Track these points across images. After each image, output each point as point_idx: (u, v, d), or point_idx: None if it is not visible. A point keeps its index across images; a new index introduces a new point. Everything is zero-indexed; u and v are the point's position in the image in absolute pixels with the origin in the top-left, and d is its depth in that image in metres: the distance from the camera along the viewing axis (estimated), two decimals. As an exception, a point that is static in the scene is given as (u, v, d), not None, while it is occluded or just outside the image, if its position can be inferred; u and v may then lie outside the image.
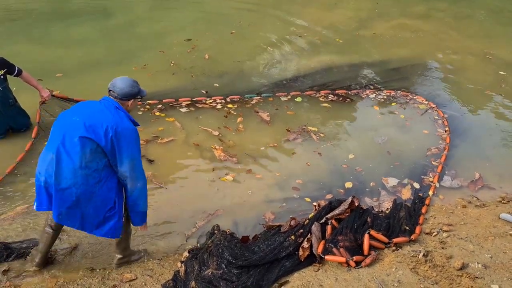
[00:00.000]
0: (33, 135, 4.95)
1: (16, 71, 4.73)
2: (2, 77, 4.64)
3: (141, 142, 4.94)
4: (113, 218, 3.03)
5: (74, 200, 2.89)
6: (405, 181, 4.60)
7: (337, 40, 8.23)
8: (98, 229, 3.04)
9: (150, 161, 4.73)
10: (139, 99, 3.26)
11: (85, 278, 3.32)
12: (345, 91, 6.26)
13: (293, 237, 3.51)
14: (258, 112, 5.67)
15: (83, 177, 2.85)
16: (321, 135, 5.31)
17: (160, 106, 5.75)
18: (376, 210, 4.11)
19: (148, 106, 5.73)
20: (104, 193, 2.95)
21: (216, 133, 5.28)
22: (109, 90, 3.01)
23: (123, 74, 6.56)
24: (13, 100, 4.89)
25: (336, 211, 3.66)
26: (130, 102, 3.08)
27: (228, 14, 9.75)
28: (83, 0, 10.42)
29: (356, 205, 3.71)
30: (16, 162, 4.59)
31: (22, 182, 4.40)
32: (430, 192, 4.38)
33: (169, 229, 3.83)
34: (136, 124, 3.07)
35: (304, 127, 5.42)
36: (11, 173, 4.46)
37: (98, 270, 3.39)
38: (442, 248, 3.49)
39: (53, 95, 5.04)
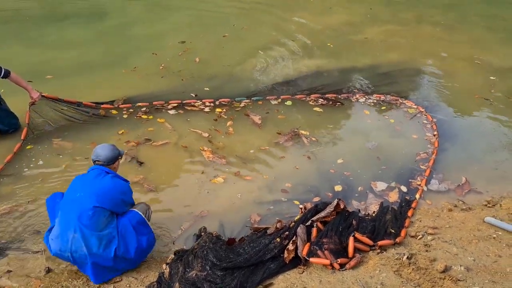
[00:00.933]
0: (22, 137, 4.95)
1: (2, 74, 4.70)
2: None
3: (132, 144, 5.00)
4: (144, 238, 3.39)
5: (112, 256, 3.22)
6: (393, 184, 4.63)
7: (329, 44, 8.28)
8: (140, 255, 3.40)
9: (140, 163, 4.74)
10: (121, 158, 3.61)
11: (69, 279, 3.32)
12: (335, 95, 6.29)
13: (278, 239, 3.52)
14: (249, 115, 5.69)
15: (108, 235, 3.20)
16: (312, 139, 5.32)
17: (144, 109, 5.74)
18: (363, 213, 4.13)
19: (131, 110, 5.72)
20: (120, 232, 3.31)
21: (206, 135, 5.30)
22: (95, 161, 3.43)
23: (113, 75, 6.73)
24: None
25: (322, 214, 3.68)
26: (115, 164, 3.52)
27: (222, 17, 9.79)
28: (77, 2, 10.44)
29: (342, 207, 3.73)
30: (4, 163, 4.58)
31: (8, 184, 4.40)
32: (417, 196, 4.41)
33: (157, 232, 3.82)
34: (126, 180, 3.51)
35: (296, 130, 5.44)
36: (-2, 174, 4.45)
37: (80, 270, 3.38)
38: (426, 251, 3.52)
39: (43, 96, 5.04)
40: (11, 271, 3.39)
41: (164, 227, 3.93)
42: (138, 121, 5.54)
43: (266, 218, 4.11)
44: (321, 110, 5.95)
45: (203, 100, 5.97)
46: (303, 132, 5.43)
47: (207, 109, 5.84)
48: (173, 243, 3.77)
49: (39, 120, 5.17)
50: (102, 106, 5.64)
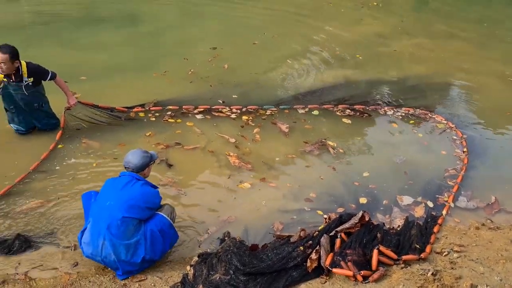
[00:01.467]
0: (57, 137, 5.12)
1: (49, 77, 4.95)
2: (30, 84, 4.84)
3: (161, 147, 5.10)
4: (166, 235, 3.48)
5: (139, 262, 3.33)
6: (419, 199, 4.58)
7: (357, 55, 8.27)
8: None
9: (169, 166, 4.83)
10: (153, 163, 3.65)
11: (96, 275, 3.40)
12: (363, 106, 6.27)
13: (301, 248, 3.53)
14: (276, 124, 5.73)
15: (136, 243, 3.29)
16: (340, 150, 5.31)
17: (169, 112, 5.85)
18: (388, 226, 4.10)
19: (157, 114, 5.83)
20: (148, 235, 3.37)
21: (233, 140, 5.37)
22: (126, 167, 3.47)
23: (144, 79, 6.87)
24: (39, 104, 5.07)
25: (346, 225, 3.67)
26: (146, 170, 3.55)
27: (253, 25, 9.95)
28: (113, 6, 10.77)
29: (367, 220, 3.72)
30: (40, 160, 4.75)
31: (41, 180, 4.55)
32: (444, 212, 4.35)
33: (183, 234, 3.88)
34: (155, 187, 3.57)
35: (323, 140, 5.45)
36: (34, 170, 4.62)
37: (109, 268, 3.47)
38: (452, 268, 3.47)
39: (79, 102, 5.22)
40: (42, 264, 3.51)
41: (190, 229, 3.98)
42: (166, 124, 5.65)
43: (289, 226, 4.12)
44: (349, 121, 5.94)
45: (231, 107, 6.04)
46: (330, 143, 5.42)
47: (233, 116, 5.91)
48: (199, 246, 3.82)
49: (74, 123, 5.34)
50: (133, 110, 5.78)
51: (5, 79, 4.76)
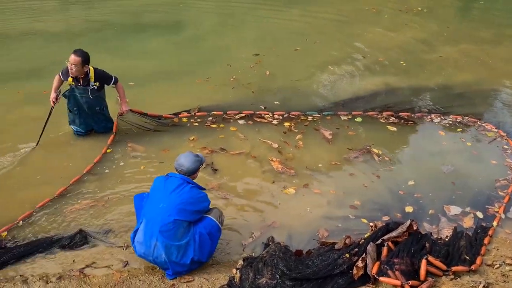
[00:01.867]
0: (108, 142, 5.33)
1: (112, 82, 5.23)
2: (95, 88, 5.11)
3: (207, 151, 5.20)
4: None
5: (189, 263, 3.44)
6: (468, 209, 4.45)
7: (401, 62, 8.14)
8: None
9: (215, 170, 4.93)
10: (202, 165, 3.73)
11: (146, 274, 3.52)
12: (408, 113, 6.16)
13: (347, 255, 3.52)
14: (319, 130, 5.73)
15: (186, 245, 3.39)
16: (385, 158, 5.24)
17: (211, 118, 5.96)
18: (435, 236, 4.01)
19: (199, 119, 5.95)
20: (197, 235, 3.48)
21: (276, 145, 5.41)
22: (177, 170, 3.55)
23: (187, 85, 7.05)
24: (100, 108, 5.34)
25: (393, 233, 3.63)
26: (196, 174, 3.66)
27: (295, 31, 9.97)
28: (158, 15, 11.09)
29: (415, 229, 3.66)
30: (94, 163, 4.98)
31: (92, 181, 4.76)
32: (494, 223, 4.21)
33: (228, 237, 3.95)
34: (203, 189, 3.66)
35: (368, 147, 5.40)
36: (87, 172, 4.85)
37: (158, 268, 3.58)
38: (504, 281, 3.36)
39: (131, 110, 5.41)
40: (95, 262, 3.66)
41: (235, 233, 4.05)
42: (209, 129, 5.76)
43: (333, 233, 4.10)
44: (394, 129, 5.85)
45: (274, 113, 6.09)
46: (375, 150, 5.37)
47: (275, 122, 5.95)
48: (243, 250, 3.87)
49: (126, 127, 5.53)
50: (180, 115, 5.93)
51: (73, 83, 5.04)
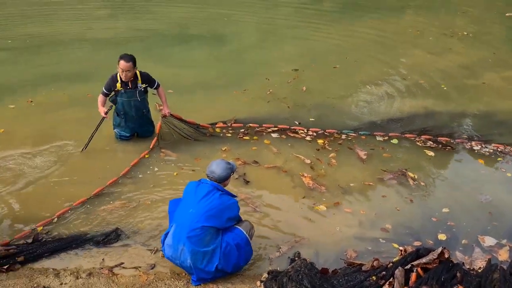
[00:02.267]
0: (151, 145, 5.50)
1: (155, 85, 5.46)
2: (142, 89, 5.33)
3: (240, 162, 5.26)
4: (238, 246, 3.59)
5: (213, 271, 3.47)
6: (504, 242, 4.28)
7: (442, 86, 7.98)
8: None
9: (247, 182, 4.98)
10: (233, 173, 3.77)
11: (172, 279, 3.58)
12: (448, 139, 6.02)
13: (374, 277, 3.45)
14: (354, 149, 5.68)
15: (212, 252, 3.43)
16: (421, 182, 5.13)
17: (243, 130, 6.03)
18: (467, 267, 3.87)
19: (231, 131, 6.03)
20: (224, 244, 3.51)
21: (308, 161, 5.40)
22: (209, 177, 3.60)
23: (225, 96, 7.19)
24: (146, 110, 5.57)
25: (423, 260, 3.53)
26: (227, 181, 3.69)
27: (336, 49, 10.02)
28: (202, 27, 11.40)
29: (446, 257, 3.55)
30: (130, 166, 5.14)
31: (127, 184, 4.90)
32: (532, 258, 4.03)
33: (254, 249, 3.94)
34: (234, 196, 3.69)
35: (404, 170, 5.30)
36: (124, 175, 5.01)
37: (184, 273, 3.63)
38: (538, 320, 3.20)
39: (171, 114, 5.57)
40: (123, 262, 3.76)
41: (262, 246, 4.06)
42: (242, 140, 5.84)
43: (362, 255, 4.04)
44: (432, 153, 5.71)
45: (309, 129, 6.08)
46: (410, 173, 5.26)
47: (308, 138, 5.94)
48: (270, 263, 3.87)
49: (165, 131, 5.68)
50: (216, 125, 6.05)
51: (121, 88, 5.25)
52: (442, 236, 4.32)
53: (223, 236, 3.50)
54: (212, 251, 3.43)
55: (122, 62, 5.03)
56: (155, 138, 5.59)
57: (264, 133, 6.02)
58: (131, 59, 5.06)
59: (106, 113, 5.24)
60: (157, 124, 5.65)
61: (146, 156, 5.38)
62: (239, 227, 3.61)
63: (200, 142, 5.77)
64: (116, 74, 5.22)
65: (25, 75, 7.81)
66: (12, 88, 7.20)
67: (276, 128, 6.08)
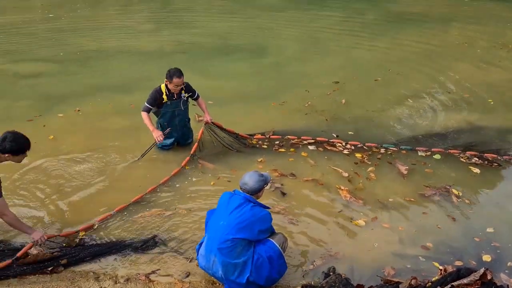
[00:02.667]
0: (191, 151, 5.61)
1: (196, 95, 5.65)
2: (185, 99, 5.49)
3: (277, 174, 5.26)
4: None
5: (244, 283, 3.45)
6: (553, 265, 4.04)
7: (489, 100, 7.69)
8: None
9: (283, 194, 4.97)
10: (266, 185, 3.73)
11: (207, 288, 3.62)
12: (494, 155, 5.77)
13: (412, 297, 3.35)
14: (395, 164, 5.56)
15: (243, 264, 3.42)
16: (465, 200, 4.93)
17: (278, 142, 6.04)
18: (513, 291, 3.68)
19: (267, 142, 6.06)
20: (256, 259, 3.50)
21: (346, 174, 5.34)
22: (241, 188, 3.59)
23: (263, 108, 7.22)
24: (188, 120, 5.76)
25: (464, 280, 3.39)
26: (260, 193, 3.66)
27: (379, 61, 9.92)
28: (244, 39, 11.61)
29: (489, 278, 3.39)
30: (170, 175, 5.25)
31: (164, 192, 5.01)
32: None
33: (288, 261, 3.90)
34: (267, 207, 3.64)
35: (448, 187, 5.13)
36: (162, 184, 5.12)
37: (218, 284, 3.66)
38: None
39: (212, 122, 5.70)
40: (160, 269, 3.84)
41: (296, 258, 4.03)
42: (278, 152, 5.84)
43: (400, 272, 3.91)
44: (477, 170, 5.48)
45: (349, 142, 6.01)
46: (454, 190, 5.07)
47: (346, 151, 5.87)
48: (303, 276, 3.83)
49: (207, 138, 5.80)
50: (254, 137, 6.10)
51: (167, 100, 5.43)
52: (486, 257, 4.12)
53: (255, 248, 3.50)
54: (243, 263, 3.43)
55: (176, 80, 5.22)
56: (196, 144, 5.64)
57: (300, 145, 6.00)
58: (181, 73, 5.26)
59: (162, 136, 5.41)
60: (199, 131, 5.76)
61: (186, 167, 5.46)
62: (272, 239, 3.60)
63: (236, 153, 5.82)
64: (160, 87, 5.38)
65: (74, 86, 8.22)
66: (61, 98, 7.58)
67: (313, 141, 6.05)
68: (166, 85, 5.36)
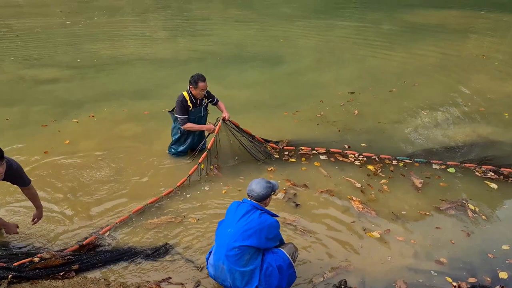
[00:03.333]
0: (208, 146, 5.57)
1: (215, 99, 5.71)
2: (205, 105, 5.60)
3: (288, 184, 5.24)
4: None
5: None
6: None
7: (505, 114, 7.58)
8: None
9: (296, 205, 4.95)
10: (274, 193, 3.71)
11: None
12: (511, 170, 5.68)
13: (425, 313, 3.29)
14: (410, 176, 5.50)
15: (250, 272, 3.40)
16: (482, 216, 4.84)
17: (287, 152, 6.01)
18: (530, 309, 3.60)
19: (276, 151, 6.06)
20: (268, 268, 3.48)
21: (359, 185, 5.30)
22: (248, 195, 3.57)
23: (275, 117, 7.26)
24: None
25: (480, 298, 3.32)
26: (267, 200, 3.62)
27: (396, 71, 9.89)
28: (259, 48, 11.65)
29: (505, 297, 3.32)
30: (188, 175, 5.30)
31: (176, 200, 5.02)
32: None
33: (298, 272, 3.86)
34: (275, 215, 3.60)
35: (464, 202, 5.06)
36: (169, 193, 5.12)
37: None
38: None
39: (230, 120, 5.68)
40: (170, 277, 3.83)
41: (306, 270, 3.99)
42: (289, 162, 5.83)
43: (412, 286, 3.86)
44: (495, 186, 5.39)
45: (363, 154, 5.97)
46: (470, 205, 5.00)
47: (357, 163, 5.82)
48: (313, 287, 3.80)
49: (223, 133, 5.72)
50: (269, 144, 6.10)
51: (191, 106, 5.46)
52: (503, 275, 4.03)
53: (264, 257, 3.47)
54: (251, 272, 3.40)
55: (201, 84, 5.31)
56: (212, 139, 5.54)
57: (311, 155, 5.97)
58: (205, 78, 5.36)
59: (215, 130, 5.50)
60: (216, 126, 5.63)
61: (202, 166, 5.45)
62: (282, 249, 3.57)
63: (246, 162, 5.78)
64: (183, 96, 5.44)
65: (90, 92, 8.33)
66: (77, 104, 7.69)
67: (324, 151, 6.01)
68: (190, 92, 5.42)
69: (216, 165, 5.60)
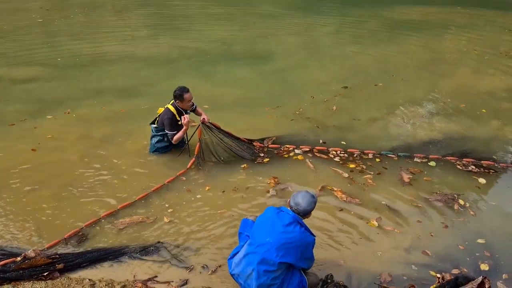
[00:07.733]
0: (195, 152, 5.60)
1: (195, 106, 5.75)
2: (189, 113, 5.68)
3: (272, 181, 5.21)
4: None
5: None
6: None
7: (483, 110, 7.70)
8: None
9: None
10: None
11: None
12: (491, 162, 5.80)
13: (410, 305, 3.34)
14: (400, 171, 5.57)
15: (273, 286, 3.33)
16: (468, 209, 4.92)
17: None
18: (510, 299, 3.68)
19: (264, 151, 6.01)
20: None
21: (346, 175, 5.39)
22: (292, 207, 3.43)
23: (258, 114, 7.15)
24: None
25: (462, 288, 3.39)
26: (308, 215, 3.50)
27: (385, 67, 10.04)
28: (249, 46, 11.63)
29: (487, 287, 3.39)
30: (176, 175, 5.32)
31: (163, 199, 4.96)
32: None
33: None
34: (313, 235, 3.49)
35: (455, 196, 5.14)
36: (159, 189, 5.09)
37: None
38: None
39: (210, 122, 5.65)
40: (157, 276, 3.81)
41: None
42: (279, 158, 5.83)
43: (397, 279, 3.92)
44: (483, 180, 5.47)
45: (348, 150, 6.01)
46: (459, 200, 5.08)
47: (337, 159, 5.84)
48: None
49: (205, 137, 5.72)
50: (254, 143, 6.08)
51: (179, 118, 5.49)
52: (484, 266, 4.12)
53: (290, 276, 3.40)
54: (275, 285, 3.34)
55: (187, 95, 5.39)
56: (198, 144, 5.56)
57: (288, 154, 5.93)
58: (188, 88, 5.41)
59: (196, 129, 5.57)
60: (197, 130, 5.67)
61: (192, 166, 5.48)
62: (307, 278, 3.52)
63: (233, 161, 5.73)
64: (168, 110, 5.46)
65: (70, 91, 8.15)
66: (57, 102, 7.53)
67: (308, 149, 6.03)
68: (176, 106, 5.46)
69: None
